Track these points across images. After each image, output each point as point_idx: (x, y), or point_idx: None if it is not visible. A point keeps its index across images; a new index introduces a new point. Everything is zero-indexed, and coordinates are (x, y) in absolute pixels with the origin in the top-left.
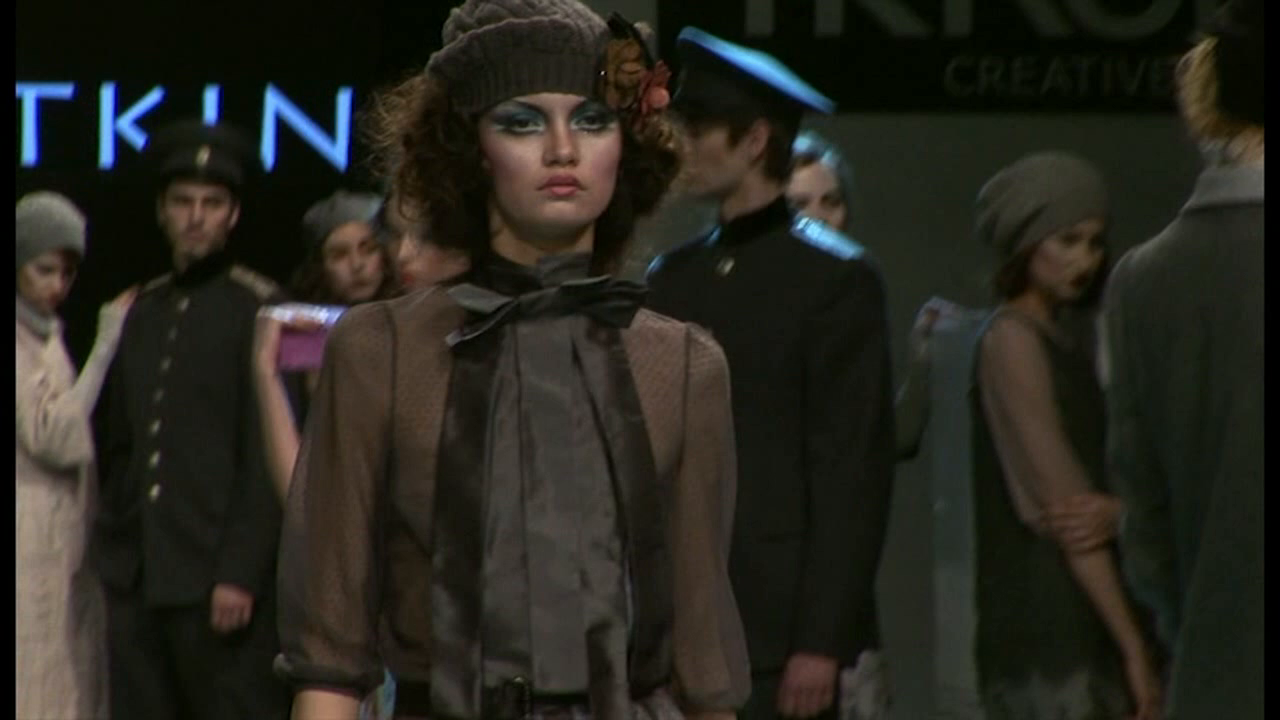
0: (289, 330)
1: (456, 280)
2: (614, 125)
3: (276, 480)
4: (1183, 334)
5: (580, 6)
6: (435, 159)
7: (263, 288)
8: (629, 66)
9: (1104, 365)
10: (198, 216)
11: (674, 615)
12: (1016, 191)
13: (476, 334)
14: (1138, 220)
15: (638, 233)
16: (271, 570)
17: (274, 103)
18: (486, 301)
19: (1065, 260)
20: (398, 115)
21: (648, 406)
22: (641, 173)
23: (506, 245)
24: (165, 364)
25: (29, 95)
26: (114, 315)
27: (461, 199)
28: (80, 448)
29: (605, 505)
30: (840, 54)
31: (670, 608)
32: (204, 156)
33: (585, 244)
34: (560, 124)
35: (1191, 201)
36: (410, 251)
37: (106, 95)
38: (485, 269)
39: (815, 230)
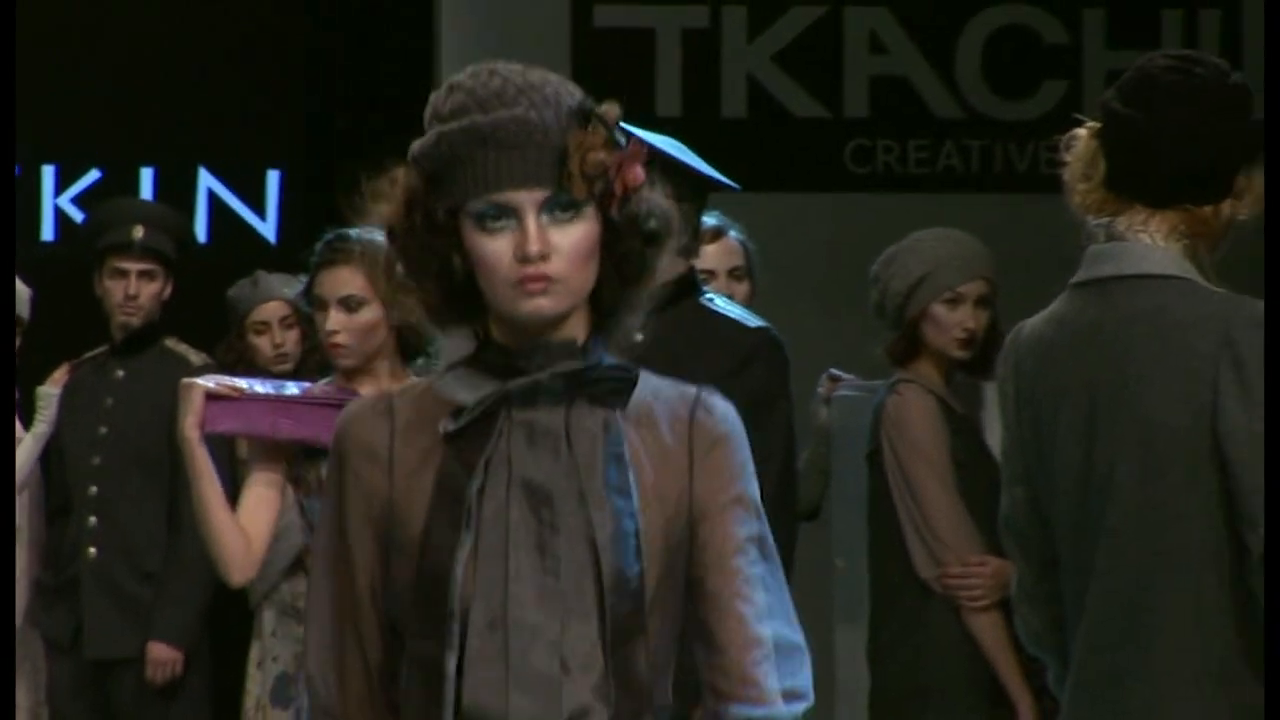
0: (213, 396)
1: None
2: (589, 210)
3: (206, 541)
4: (1069, 403)
5: (550, 90)
6: (417, 253)
7: (195, 357)
8: (593, 156)
9: (993, 431)
10: (133, 289)
11: (659, 696)
12: (903, 263)
13: (463, 423)
14: (1028, 295)
15: (636, 302)
16: (203, 627)
17: (206, 182)
18: (473, 392)
19: (952, 322)
20: (383, 206)
21: (650, 483)
22: (624, 253)
23: (499, 329)
24: (102, 430)
25: None
26: (50, 394)
27: (443, 296)
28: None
29: (588, 591)
30: (745, 136)
31: (650, 694)
32: (139, 232)
33: (574, 327)
34: (530, 220)
35: (1078, 275)
36: (339, 323)
37: (48, 174)
38: (479, 354)
39: (722, 302)
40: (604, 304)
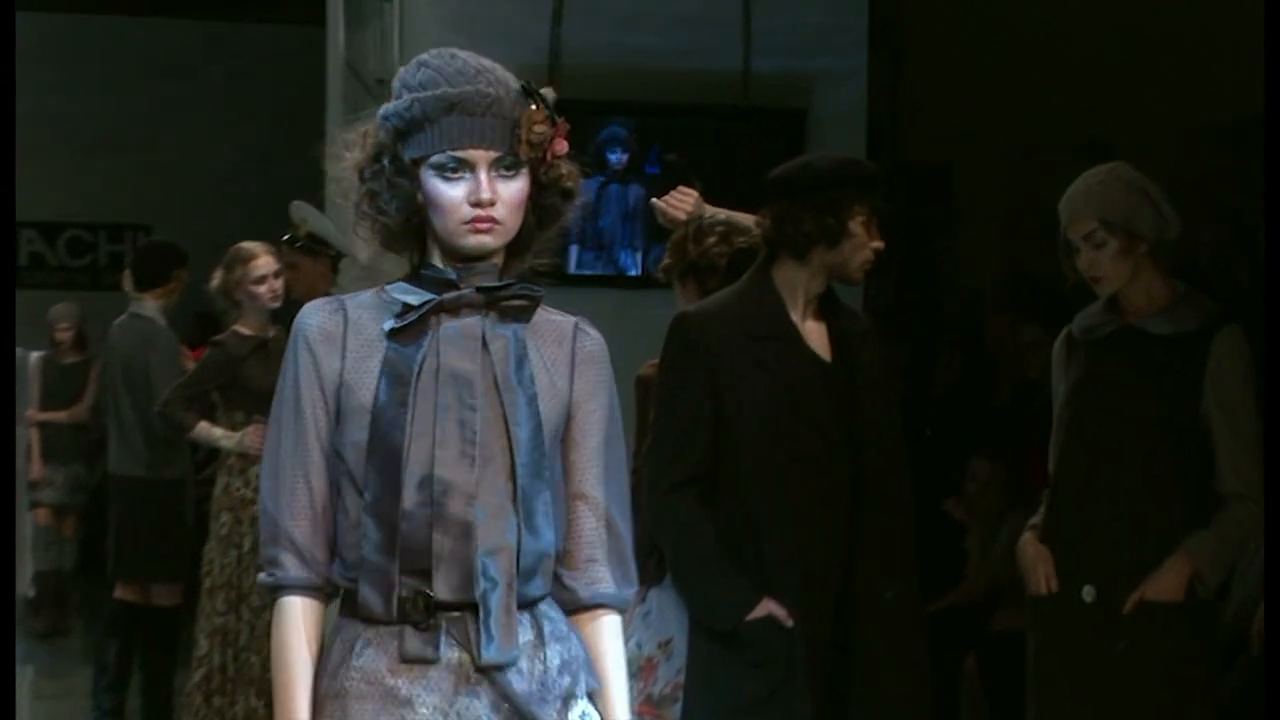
0: None
1: (401, 279)
2: (524, 170)
3: None
4: None
5: (500, 72)
6: (383, 191)
7: None
8: (538, 128)
9: None
10: None
11: (556, 542)
12: None
13: (406, 322)
14: None
15: (545, 243)
16: None
17: None
18: (416, 297)
19: None
20: (353, 154)
21: (541, 380)
22: (546, 206)
23: (438, 254)
24: None
25: None
26: None
27: (403, 223)
28: None
29: (501, 457)
30: None
31: (550, 539)
32: None
33: (497, 256)
34: (483, 173)
35: None
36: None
37: None
38: (419, 273)
39: None
40: (523, 242)
